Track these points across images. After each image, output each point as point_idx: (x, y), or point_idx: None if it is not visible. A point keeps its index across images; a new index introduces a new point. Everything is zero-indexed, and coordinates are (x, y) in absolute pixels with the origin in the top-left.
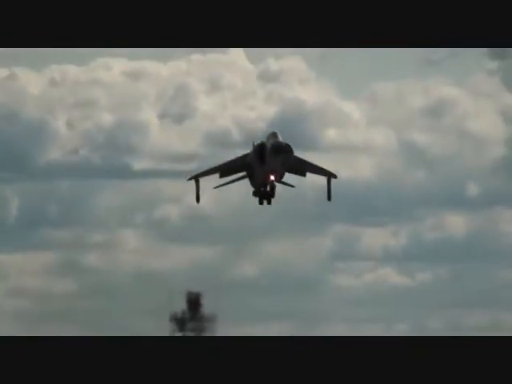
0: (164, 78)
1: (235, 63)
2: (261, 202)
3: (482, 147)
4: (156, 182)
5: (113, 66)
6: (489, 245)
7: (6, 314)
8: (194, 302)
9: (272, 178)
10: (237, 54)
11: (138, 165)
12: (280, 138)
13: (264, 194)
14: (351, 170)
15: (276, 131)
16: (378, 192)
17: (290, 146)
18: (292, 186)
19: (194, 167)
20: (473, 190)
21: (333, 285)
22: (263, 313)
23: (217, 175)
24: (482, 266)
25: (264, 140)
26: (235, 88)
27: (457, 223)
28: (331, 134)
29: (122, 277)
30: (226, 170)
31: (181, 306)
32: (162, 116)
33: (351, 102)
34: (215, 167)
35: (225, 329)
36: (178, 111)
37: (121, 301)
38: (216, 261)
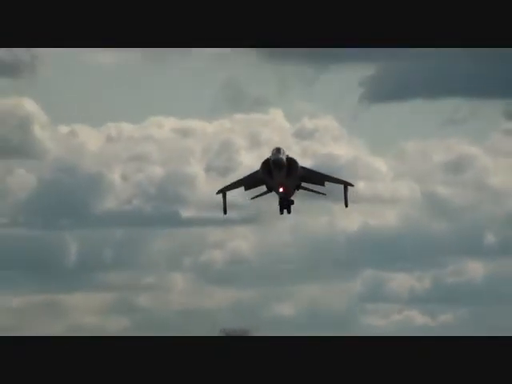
0: (209, 134)
1: (274, 121)
2: (281, 212)
3: (498, 200)
4: (202, 229)
5: (164, 124)
6: (505, 289)
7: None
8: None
9: (281, 190)
10: (276, 113)
11: (186, 213)
12: (283, 154)
13: (282, 205)
14: (379, 219)
15: (280, 147)
16: (403, 240)
17: (292, 159)
18: (323, 194)
19: (235, 215)
20: (490, 238)
21: (362, 324)
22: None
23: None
24: (499, 308)
25: (269, 156)
26: (273, 144)
27: (476, 269)
28: (361, 186)
29: (171, 315)
30: (247, 184)
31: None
32: (207, 169)
33: (379, 158)
34: (237, 181)
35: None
36: (222, 164)
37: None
38: (256, 300)
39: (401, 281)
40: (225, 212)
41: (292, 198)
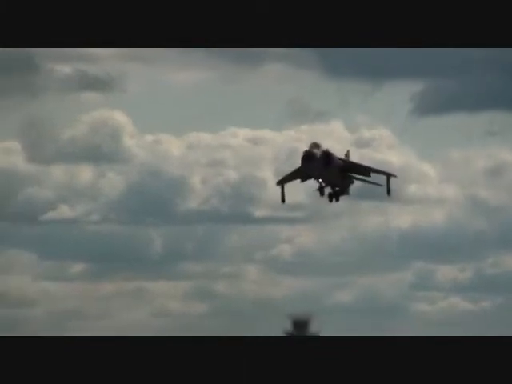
0: (278, 143)
1: (335, 132)
2: (330, 200)
3: None
4: (271, 227)
5: (239, 134)
6: None
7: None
8: (300, 324)
9: (320, 181)
10: (336, 124)
11: (257, 212)
12: (318, 148)
13: (330, 194)
14: (426, 218)
15: (317, 142)
16: (446, 236)
17: (327, 152)
18: (379, 185)
19: (301, 215)
20: None
21: (413, 310)
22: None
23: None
24: None
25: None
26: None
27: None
28: (412, 188)
29: (244, 302)
30: (300, 175)
31: (289, 327)
32: (276, 173)
33: (428, 164)
34: (292, 173)
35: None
36: (289, 169)
37: (243, 322)
38: (319, 289)
39: (446, 271)
40: (283, 201)
41: (348, 190)
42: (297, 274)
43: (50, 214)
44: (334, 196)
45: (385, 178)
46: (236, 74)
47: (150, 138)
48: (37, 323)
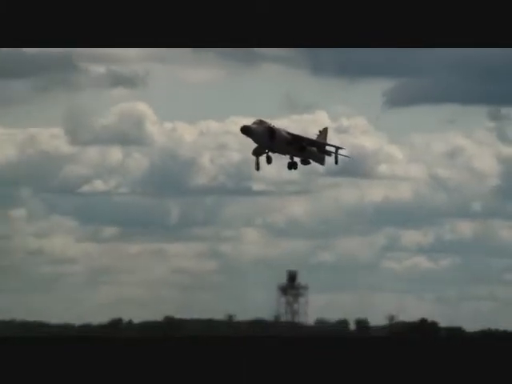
0: None
1: (319, 120)
2: (289, 168)
3: (480, 179)
4: (267, 198)
5: (240, 122)
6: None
7: (168, 286)
8: (292, 277)
9: (267, 151)
10: (321, 115)
11: (256, 187)
12: (261, 124)
13: (289, 164)
14: (395, 192)
15: (261, 119)
16: (411, 207)
17: (270, 127)
18: (349, 157)
19: (292, 188)
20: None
21: (383, 268)
22: (337, 285)
23: None
24: (483, 258)
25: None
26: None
27: (464, 228)
28: (383, 167)
29: (247, 260)
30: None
31: (284, 279)
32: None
33: (396, 147)
34: (257, 146)
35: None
36: None
37: (245, 276)
38: (309, 250)
39: (411, 236)
40: (257, 169)
41: (322, 161)
42: (288, 237)
43: (87, 187)
44: (293, 165)
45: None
46: (239, 72)
47: (168, 125)
48: (77, 276)
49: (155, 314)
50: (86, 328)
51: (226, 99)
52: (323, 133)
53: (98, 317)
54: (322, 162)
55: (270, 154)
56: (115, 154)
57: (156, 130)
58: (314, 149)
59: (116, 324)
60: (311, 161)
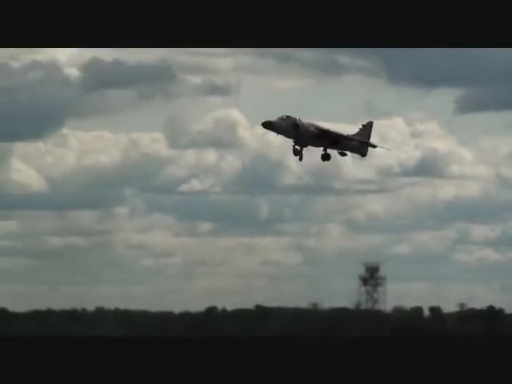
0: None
1: (396, 126)
2: (322, 159)
3: None
4: (348, 196)
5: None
6: None
7: (258, 277)
8: (372, 269)
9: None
10: (397, 120)
11: (338, 186)
12: (290, 119)
13: (323, 155)
14: (465, 190)
15: (288, 115)
16: (480, 204)
17: (296, 122)
18: (389, 150)
19: (371, 187)
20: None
21: (454, 259)
22: (412, 276)
23: None
24: None
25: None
26: (396, 141)
27: None
28: (454, 168)
29: (330, 253)
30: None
31: (364, 270)
32: (351, 156)
33: (465, 149)
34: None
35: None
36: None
37: (328, 268)
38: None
39: (480, 230)
40: (299, 159)
41: (363, 152)
42: (367, 232)
43: (185, 187)
44: (326, 157)
45: (363, 144)
46: (322, 81)
47: (258, 130)
48: (175, 268)
49: (247, 303)
50: (186, 315)
51: (310, 106)
52: (367, 127)
53: (195, 305)
54: (362, 153)
55: (296, 146)
56: (210, 156)
57: (247, 134)
58: (365, 141)
59: (211, 311)
60: (348, 152)
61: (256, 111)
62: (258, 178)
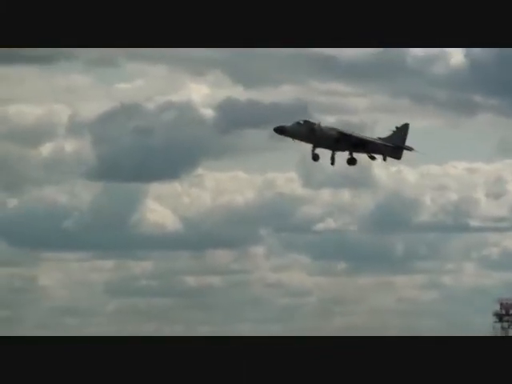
0: (488, 172)
1: None
2: (348, 164)
3: None
4: (484, 234)
5: (458, 165)
6: None
7: (393, 314)
8: (507, 306)
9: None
10: None
11: (473, 223)
12: (302, 124)
13: (348, 160)
14: None
15: (307, 119)
16: None
17: (311, 125)
18: (410, 149)
19: (505, 225)
20: None
21: None
22: None
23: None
24: None
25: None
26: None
27: None
28: None
29: (465, 289)
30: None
31: (498, 309)
32: (487, 195)
33: None
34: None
35: None
36: (497, 191)
37: (463, 304)
38: None
39: None
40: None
41: (398, 156)
42: (502, 269)
43: (320, 226)
44: (352, 161)
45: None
46: (456, 120)
47: (392, 168)
48: (311, 307)
49: None
50: None
51: (445, 145)
52: (402, 129)
53: None
54: (396, 156)
55: (316, 151)
56: (344, 195)
57: (381, 172)
58: (390, 145)
59: None
60: (376, 156)
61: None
62: (392, 216)
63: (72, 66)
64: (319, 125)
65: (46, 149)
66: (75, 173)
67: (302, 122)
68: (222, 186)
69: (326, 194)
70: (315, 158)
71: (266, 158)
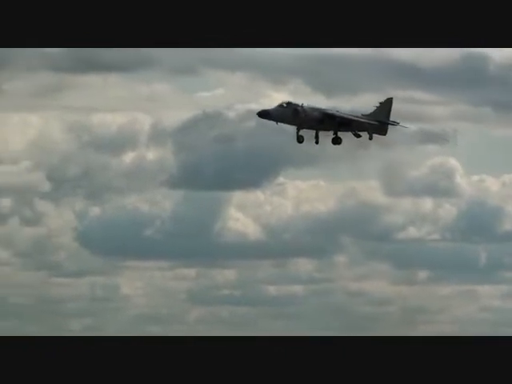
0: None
1: None
2: (333, 143)
3: None
4: None
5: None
6: None
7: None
8: None
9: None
10: None
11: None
12: (292, 104)
13: (333, 139)
14: None
15: (289, 101)
16: None
17: (294, 107)
18: (395, 124)
19: None
20: None
21: None
22: None
23: None
24: None
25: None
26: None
27: None
28: None
29: None
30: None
31: None
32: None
33: None
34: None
35: None
36: None
37: None
38: None
39: None
40: (298, 141)
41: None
42: None
43: (401, 234)
44: (336, 141)
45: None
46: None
47: (475, 177)
48: (393, 316)
49: None
50: None
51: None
52: (385, 104)
53: None
54: (382, 132)
55: (300, 133)
56: (427, 203)
57: (464, 181)
58: (374, 122)
59: None
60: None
61: (472, 159)
62: (475, 225)
63: (153, 75)
64: (302, 106)
65: (128, 157)
66: (157, 181)
67: (284, 105)
68: (303, 195)
69: (407, 203)
70: (300, 139)
71: (346, 166)
